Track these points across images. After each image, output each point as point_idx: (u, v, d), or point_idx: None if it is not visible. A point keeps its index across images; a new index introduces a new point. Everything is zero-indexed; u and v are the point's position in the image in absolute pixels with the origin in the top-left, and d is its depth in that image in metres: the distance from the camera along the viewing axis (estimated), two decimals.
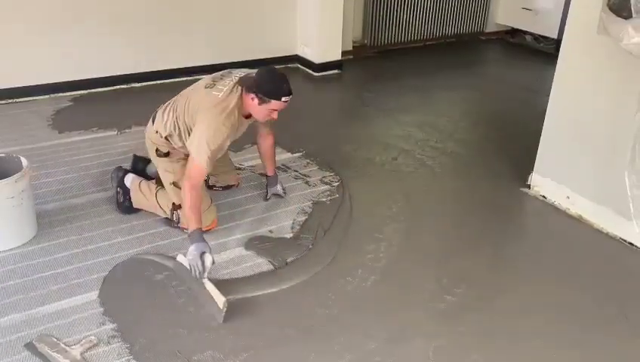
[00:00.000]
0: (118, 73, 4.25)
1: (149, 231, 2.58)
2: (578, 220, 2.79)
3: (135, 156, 2.96)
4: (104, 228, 2.59)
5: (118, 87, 4.29)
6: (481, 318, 2.15)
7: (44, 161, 3.16)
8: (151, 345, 1.96)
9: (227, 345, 1.97)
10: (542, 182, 2.97)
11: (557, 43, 5.45)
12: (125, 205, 2.69)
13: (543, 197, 2.96)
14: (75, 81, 4.13)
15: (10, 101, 3.96)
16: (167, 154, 2.59)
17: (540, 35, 5.78)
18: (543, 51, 5.65)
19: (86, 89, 4.18)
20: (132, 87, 4.33)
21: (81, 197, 2.83)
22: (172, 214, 2.58)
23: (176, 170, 2.55)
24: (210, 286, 2.17)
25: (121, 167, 2.84)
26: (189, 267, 2.19)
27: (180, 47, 4.44)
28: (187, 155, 2.46)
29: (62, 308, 2.11)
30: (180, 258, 2.26)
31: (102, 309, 2.12)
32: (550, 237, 2.71)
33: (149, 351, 1.94)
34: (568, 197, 2.84)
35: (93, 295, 2.19)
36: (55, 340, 1.96)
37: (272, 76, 2.40)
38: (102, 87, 4.23)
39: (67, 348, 1.92)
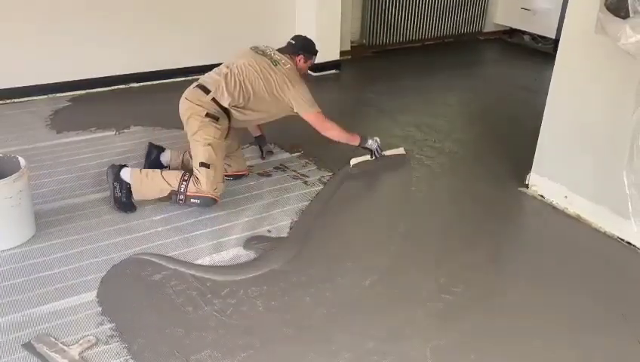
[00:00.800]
0: (117, 73, 4.26)
1: (147, 232, 2.58)
2: (576, 220, 2.79)
3: (150, 144, 3.04)
4: (102, 229, 2.59)
5: (116, 87, 4.29)
6: (479, 318, 2.15)
7: (43, 161, 3.16)
8: (149, 344, 1.96)
9: (225, 345, 1.97)
10: (540, 182, 2.97)
11: (555, 43, 5.43)
12: (122, 200, 2.70)
13: (541, 196, 2.97)
14: (73, 81, 4.14)
15: (8, 101, 3.97)
16: (217, 119, 2.73)
17: (538, 35, 5.79)
18: (541, 51, 5.66)
19: (84, 89, 4.19)
20: (130, 87, 4.33)
21: (80, 198, 2.83)
22: (180, 185, 2.66)
23: (216, 134, 2.71)
24: (388, 152, 3.30)
25: (115, 164, 2.84)
26: (375, 151, 3.18)
27: (178, 48, 4.45)
28: (229, 128, 2.81)
29: (60, 308, 2.11)
30: (353, 160, 3.24)
31: (100, 309, 2.12)
32: (548, 237, 2.71)
33: (147, 351, 1.93)
34: (566, 197, 2.84)
35: (92, 295, 2.19)
36: (53, 340, 1.96)
37: (308, 40, 3.10)
38: (100, 87, 4.24)
39: (65, 348, 1.92)
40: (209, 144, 2.67)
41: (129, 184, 2.69)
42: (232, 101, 2.75)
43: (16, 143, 3.33)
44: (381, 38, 5.45)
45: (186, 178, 2.66)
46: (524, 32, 5.98)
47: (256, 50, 2.96)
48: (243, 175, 3.06)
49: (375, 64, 5.30)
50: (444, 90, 4.65)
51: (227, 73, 2.80)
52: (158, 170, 2.75)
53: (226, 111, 2.76)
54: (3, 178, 2.35)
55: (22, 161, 2.49)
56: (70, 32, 4.01)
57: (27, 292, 2.19)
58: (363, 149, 3.18)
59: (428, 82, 4.83)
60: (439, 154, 3.45)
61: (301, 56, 2.99)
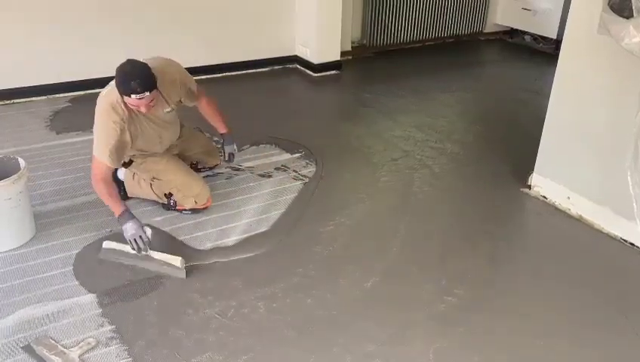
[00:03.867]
0: None
1: None
2: (579, 220, 2.78)
3: None
4: (102, 229, 2.58)
5: None
6: (482, 319, 2.14)
7: (42, 161, 3.14)
8: (150, 346, 1.95)
9: (226, 347, 1.96)
10: (542, 183, 2.96)
11: (556, 43, 5.44)
12: (120, 195, 2.69)
13: (544, 197, 2.95)
14: (73, 82, 4.12)
15: (7, 102, 3.95)
16: (130, 162, 2.67)
17: (539, 36, 5.77)
18: (542, 51, 5.65)
19: (84, 90, 4.16)
20: None
21: (79, 198, 2.82)
22: (168, 201, 2.71)
23: (147, 169, 2.68)
24: (158, 255, 2.33)
25: None
26: (131, 244, 2.30)
27: (178, 48, 4.40)
28: (141, 149, 2.61)
29: (60, 309, 2.10)
30: (108, 244, 2.39)
31: (100, 311, 2.11)
32: (551, 238, 2.70)
33: (147, 353, 1.92)
34: (569, 198, 2.83)
35: (92, 296, 2.17)
36: (53, 342, 1.94)
37: (120, 74, 2.31)
38: (100, 88, 4.17)
39: (66, 351, 1.91)
40: (153, 178, 2.69)
41: (124, 183, 2.78)
42: None
43: (15, 144, 3.32)
44: (382, 38, 5.43)
45: (172, 195, 2.70)
46: (524, 33, 5.96)
47: None
48: (217, 165, 3.11)
49: (376, 65, 5.28)
50: (444, 90, 4.63)
51: None
52: (149, 178, 2.73)
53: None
54: (2, 179, 2.33)
55: (22, 162, 2.48)
56: (70, 33, 3.99)
57: (26, 294, 2.17)
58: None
59: (429, 83, 4.81)
60: (440, 154, 3.44)
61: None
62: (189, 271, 2.32)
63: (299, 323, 2.08)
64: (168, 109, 2.58)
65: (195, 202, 2.69)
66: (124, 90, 2.28)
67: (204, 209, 2.72)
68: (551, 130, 2.89)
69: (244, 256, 2.45)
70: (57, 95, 4.09)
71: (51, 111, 3.87)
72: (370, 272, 2.36)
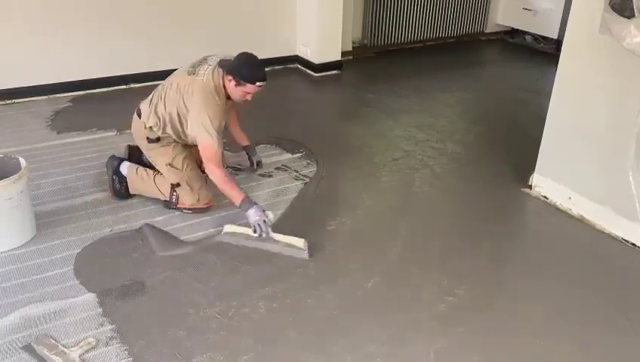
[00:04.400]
0: (118, 74, 4.24)
1: None
2: (580, 221, 2.77)
3: (129, 146, 3.00)
4: (103, 229, 2.58)
5: (117, 87, 4.27)
6: (482, 319, 2.13)
7: (43, 161, 3.14)
8: (150, 346, 1.95)
9: (227, 347, 1.96)
10: (543, 183, 2.96)
11: (557, 43, 5.44)
12: (122, 192, 2.78)
13: (545, 197, 2.95)
14: (74, 81, 4.12)
15: (8, 102, 3.95)
16: (157, 140, 2.70)
17: (539, 36, 5.77)
18: (543, 51, 5.64)
19: (85, 90, 4.17)
20: (131, 88, 4.31)
21: (80, 198, 2.81)
22: (171, 196, 2.70)
23: (168, 152, 2.69)
24: (280, 236, 2.44)
25: (114, 155, 2.87)
26: (255, 228, 2.42)
27: (179, 48, 4.41)
28: (176, 140, 2.68)
29: (60, 309, 2.10)
30: (229, 227, 2.49)
31: (101, 310, 2.10)
32: (552, 238, 2.69)
33: (148, 353, 1.92)
34: (570, 198, 2.83)
35: (92, 296, 2.17)
36: (54, 342, 1.94)
37: (249, 61, 2.54)
38: (101, 87, 4.22)
39: (66, 350, 1.90)
40: (168, 164, 2.70)
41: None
42: (154, 122, 2.64)
43: (16, 143, 3.31)
44: (383, 38, 5.43)
45: (174, 190, 2.69)
46: (525, 33, 5.96)
47: (193, 66, 2.63)
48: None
49: (377, 65, 5.28)
50: (445, 90, 4.63)
51: (153, 98, 2.68)
52: (152, 174, 2.76)
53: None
54: (3, 179, 2.33)
55: (22, 161, 2.47)
56: (71, 33, 3.99)
57: (27, 293, 2.17)
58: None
59: (429, 83, 4.81)
60: (441, 154, 3.44)
61: (230, 77, 2.51)
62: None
63: (299, 323, 2.08)
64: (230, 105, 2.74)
65: (198, 200, 2.69)
66: (255, 77, 2.50)
67: (205, 209, 2.73)
68: (552, 130, 2.89)
69: (245, 255, 2.45)
70: (58, 95, 4.08)
71: (52, 111, 3.87)
72: (370, 272, 2.36)
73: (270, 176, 3.12)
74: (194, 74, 2.57)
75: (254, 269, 2.36)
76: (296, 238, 2.44)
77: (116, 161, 2.80)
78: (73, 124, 3.64)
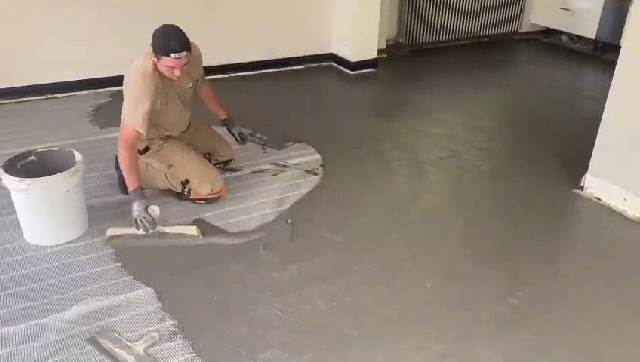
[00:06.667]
0: None
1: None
2: (637, 223, 2.71)
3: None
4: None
5: None
6: (548, 323, 2.08)
7: (88, 155, 3.10)
8: (214, 342, 1.93)
9: (290, 345, 1.93)
10: (596, 184, 2.89)
11: (594, 43, 5.36)
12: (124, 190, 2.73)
13: (598, 198, 2.89)
14: (114, 77, 4.11)
15: (50, 96, 3.97)
16: (146, 149, 2.67)
17: (576, 36, 5.68)
18: (579, 52, 5.56)
19: None
20: None
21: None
22: (182, 189, 2.70)
23: (164, 158, 2.68)
24: (170, 229, 2.41)
25: None
26: (136, 225, 2.35)
27: (216, 45, 4.38)
28: (162, 127, 2.64)
29: (120, 302, 2.09)
30: (112, 231, 2.42)
31: (160, 305, 2.09)
32: (610, 241, 2.63)
33: (211, 349, 1.90)
34: (626, 200, 2.76)
35: (150, 291, 2.16)
36: (117, 336, 1.93)
37: (162, 31, 2.39)
38: None
39: (130, 344, 1.89)
40: (169, 166, 2.68)
41: None
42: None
43: (61, 138, 3.32)
44: (417, 36, 5.39)
45: (186, 186, 2.69)
46: (560, 33, 5.88)
47: None
48: (231, 160, 3.04)
49: (411, 63, 5.24)
50: (483, 89, 4.58)
51: None
52: (163, 168, 2.72)
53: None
54: (58, 172, 2.33)
55: (77, 154, 2.47)
56: (110, 28, 4.00)
57: (86, 287, 2.17)
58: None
59: (466, 81, 4.76)
60: (488, 154, 3.39)
61: (153, 54, 2.41)
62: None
63: (361, 322, 2.05)
64: (190, 85, 2.66)
65: (212, 189, 2.67)
66: (165, 48, 2.34)
67: (217, 198, 2.72)
68: (607, 131, 2.82)
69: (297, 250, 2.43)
70: (98, 90, 4.10)
71: (92, 105, 3.89)
72: (428, 272, 2.32)
73: (315, 173, 3.08)
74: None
75: (309, 266, 2.34)
76: (186, 227, 2.43)
77: None
78: (115, 119, 3.60)
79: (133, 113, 2.42)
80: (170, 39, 2.35)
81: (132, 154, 2.45)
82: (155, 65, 2.44)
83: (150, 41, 2.42)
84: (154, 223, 2.38)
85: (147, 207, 2.38)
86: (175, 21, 4.13)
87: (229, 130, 2.97)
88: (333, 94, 4.49)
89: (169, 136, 2.72)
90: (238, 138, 2.96)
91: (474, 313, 2.12)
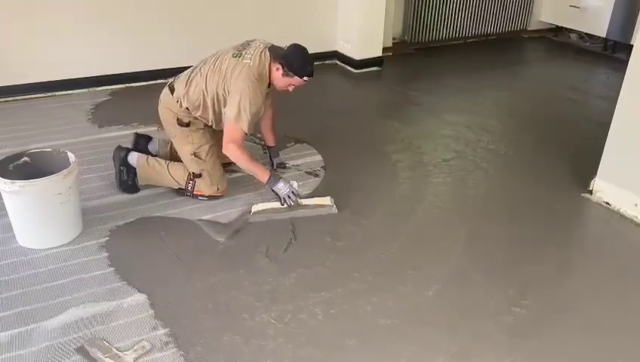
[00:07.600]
0: (159, 68, 4.17)
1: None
2: None
3: (137, 134, 2.98)
4: (151, 228, 2.50)
5: (156, 81, 4.20)
6: (555, 333, 2.00)
7: (85, 156, 3.07)
8: (207, 352, 1.86)
9: (286, 356, 1.86)
10: (606, 188, 2.80)
11: (605, 42, 5.24)
12: (128, 183, 2.74)
13: (607, 203, 2.80)
14: (114, 75, 4.07)
15: (49, 94, 3.92)
16: (188, 124, 2.65)
17: (586, 34, 5.57)
18: (589, 50, 5.44)
19: (125, 83, 4.12)
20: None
21: (124, 194, 2.74)
22: (187, 184, 2.68)
23: (195, 140, 2.65)
24: (308, 201, 2.63)
25: (121, 146, 2.81)
26: (284, 201, 2.55)
27: (220, 42, 4.31)
28: (206, 125, 2.66)
29: (111, 309, 2.03)
30: (256, 207, 2.58)
31: (152, 312, 2.02)
32: (619, 247, 2.54)
33: (205, 360, 1.83)
34: (636, 205, 2.67)
35: (143, 297, 2.09)
36: (107, 344, 1.87)
37: (302, 54, 2.55)
38: (141, 81, 4.16)
39: (120, 354, 1.83)
40: (192, 153, 2.65)
41: (135, 168, 2.73)
42: (186, 100, 2.60)
43: (59, 137, 3.27)
44: (423, 34, 5.30)
45: (192, 178, 2.67)
46: (570, 31, 5.76)
47: (237, 49, 2.61)
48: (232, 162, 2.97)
49: (417, 61, 5.15)
50: (490, 89, 4.48)
51: (191, 76, 2.62)
52: (164, 163, 2.72)
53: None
54: (51, 174, 2.27)
55: (71, 156, 2.41)
56: (110, 26, 3.94)
57: (76, 293, 2.10)
58: (272, 192, 2.61)
59: (473, 81, 4.66)
60: (494, 156, 3.30)
61: (279, 65, 2.51)
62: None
63: (360, 332, 1.97)
64: (269, 101, 2.78)
65: (217, 189, 2.69)
66: (304, 71, 2.52)
67: (219, 196, 2.72)
68: (618, 134, 2.73)
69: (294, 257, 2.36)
70: (98, 88, 4.04)
71: (92, 104, 3.83)
72: (430, 279, 2.24)
73: (316, 175, 3.01)
74: (239, 57, 2.54)
75: (308, 272, 2.27)
76: (321, 198, 2.63)
77: (123, 152, 2.75)
78: (114, 118, 3.59)
79: (243, 115, 2.46)
80: (309, 64, 2.53)
81: (246, 150, 2.56)
82: (269, 71, 2.53)
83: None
84: (299, 195, 2.59)
85: (289, 182, 2.58)
86: (178, 20, 4.14)
87: (270, 158, 3.04)
88: (336, 93, 4.41)
89: (209, 127, 2.71)
90: (276, 167, 3.01)
91: (478, 322, 2.04)
